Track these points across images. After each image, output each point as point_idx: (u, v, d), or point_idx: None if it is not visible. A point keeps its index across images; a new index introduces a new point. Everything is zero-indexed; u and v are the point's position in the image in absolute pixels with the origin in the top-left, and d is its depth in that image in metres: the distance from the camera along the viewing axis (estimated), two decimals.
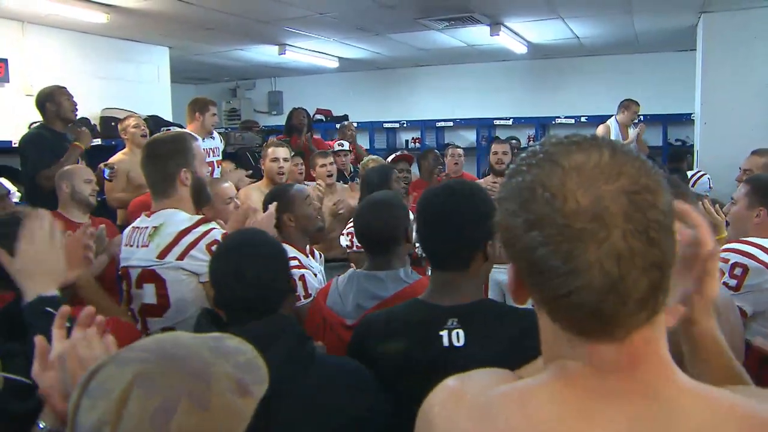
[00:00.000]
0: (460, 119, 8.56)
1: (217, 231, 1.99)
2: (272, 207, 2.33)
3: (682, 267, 0.79)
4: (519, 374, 0.79)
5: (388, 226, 1.86)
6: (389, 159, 4.29)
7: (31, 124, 4.29)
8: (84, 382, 0.77)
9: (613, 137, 4.30)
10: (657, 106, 7.26)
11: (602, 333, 0.65)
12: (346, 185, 4.42)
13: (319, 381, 1.33)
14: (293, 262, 2.32)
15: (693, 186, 4.75)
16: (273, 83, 9.86)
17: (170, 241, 1.95)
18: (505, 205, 0.69)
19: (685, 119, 7.01)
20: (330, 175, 3.88)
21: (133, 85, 6.35)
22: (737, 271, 1.97)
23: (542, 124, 8.16)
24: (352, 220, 3.20)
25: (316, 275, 2.45)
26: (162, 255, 1.95)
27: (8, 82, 5.17)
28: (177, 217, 2.00)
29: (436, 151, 5.28)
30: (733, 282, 2.01)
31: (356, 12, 5.36)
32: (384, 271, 1.83)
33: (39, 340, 1.04)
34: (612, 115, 6.08)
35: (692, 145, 6.40)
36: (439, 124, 8.70)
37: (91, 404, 0.74)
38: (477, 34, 6.30)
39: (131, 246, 2.06)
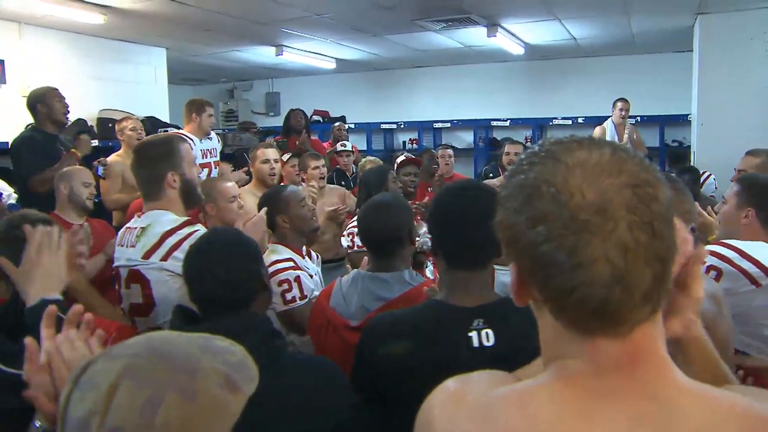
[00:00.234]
0: (458, 120, 8.57)
1: (201, 232, 1.99)
2: (263, 211, 2.34)
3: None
4: (518, 376, 0.79)
5: (392, 227, 1.86)
6: (397, 161, 4.25)
7: (28, 125, 4.28)
8: (76, 376, 0.79)
9: (608, 138, 4.32)
10: (654, 107, 7.28)
11: (606, 329, 0.65)
12: (337, 186, 4.43)
13: (287, 378, 1.32)
14: (288, 264, 2.32)
15: (701, 187, 4.72)
16: (270, 84, 9.86)
17: (155, 242, 1.97)
18: (507, 203, 0.69)
19: (681, 120, 7.02)
20: (322, 177, 3.87)
21: (131, 86, 6.34)
22: (711, 274, 1.92)
23: (539, 125, 8.18)
24: (354, 219, 3.22)
25: (312, 276, 2.45)
26: (147, 255, 1.97)
27: (5, 83, 5.17)
28: (164, 218, 2.02)
29: (432, 150, 5.31)
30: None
31: (353, 13, 5.36)
32: (389, 273, 1.82)
33: (29, 341, 1.05)
34: (609, 116, 6.10)
35: (689, 146, 6.42)
36: (436, 125, 8.72)
37: (81, 396, 0.76)
38: (474, 36, 6.31)
39: (122, 246, 2.09)
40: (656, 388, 0.66)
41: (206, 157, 4.45)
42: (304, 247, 2.58)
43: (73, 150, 3.96)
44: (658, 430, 0.63)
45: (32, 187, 3.73)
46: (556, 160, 0.66)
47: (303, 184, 3.72)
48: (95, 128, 5.69)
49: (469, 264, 1.44)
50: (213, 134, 4.75)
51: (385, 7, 5.09)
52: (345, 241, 3.26)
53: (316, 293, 2.37)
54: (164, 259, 1.95)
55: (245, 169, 4.52)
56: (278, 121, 6.81)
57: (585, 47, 7.21)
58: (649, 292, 0.63)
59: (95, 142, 5.31)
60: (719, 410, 0.65)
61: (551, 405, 0.67)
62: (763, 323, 1.92)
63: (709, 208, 2.51)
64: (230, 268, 1.45)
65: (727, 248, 1.96)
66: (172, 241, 1.95)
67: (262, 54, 7.26)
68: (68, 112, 4.10)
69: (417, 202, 3.77)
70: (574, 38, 6.69)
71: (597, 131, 5.97)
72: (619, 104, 5.97)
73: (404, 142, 9.16)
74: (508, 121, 8.27)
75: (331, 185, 4.31)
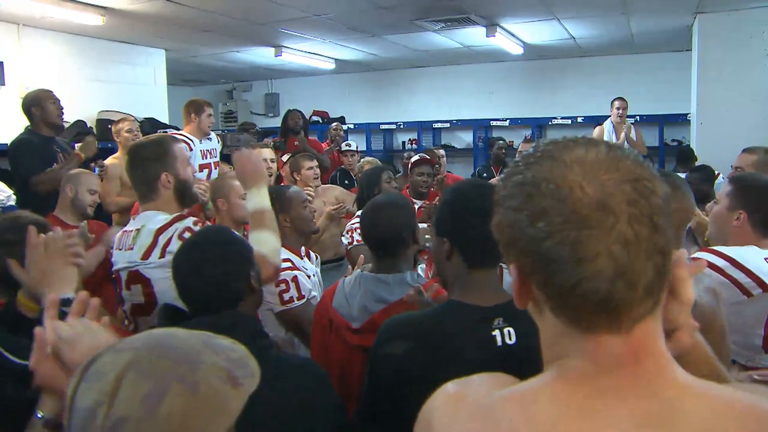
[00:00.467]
0: (457, 120, 8.57)
1: (189, 220, 2.01)
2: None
3: None
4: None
5: (394, 228, 1.85)
6: (411, 161, 4.21)
7: (26, 127, 4.27)
8: (83, 368, 0.81)
9: (606, 138, 4.31)
10: (653, 107, 7.28)
11: (608, 325, 0.65)
12: (333, 186, 4.42)
13: (269, 378, 1.32)
14: (286, 264, 2.32)
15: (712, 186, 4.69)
16: (269, 85, 9.86)
17: (150, 242, 1.98)
18: (506, 203, 0.69)
19: (681, 120, 7.02)
20: (316, 177, 3.87)
21: (130, 88, 6.34)
22: (707, 281, 1.90)
23: (539, 125, 8.17)
24: (354, 218, 3.22)
25: (310, 277, 2.45)
26: (145, 255, 1.99)
27: (4, 84, 5.17)
28: (156, 218, 2.03)
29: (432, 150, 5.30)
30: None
31: (352, 13, 5.36)
32: (390, 275, 1.82)
33: (38, 331, 1.08)
34: (608, 116, 6.10)
35: (688, 146, 6.41)
36: (435, 126, 8.72)
37: (88, 387, 0.78)
38: (473, 35, 6.31)
39: (120, 249, 2.10)
40: (658, 386, 0.66)
41: (206, 158, 4.44)
42: (302, 248, 2.58)
43: (78, 152, 3.95)
44: (660, 429, 0.63)
45: (32, 187, 3.73)
46: (554, 158, 0.67)
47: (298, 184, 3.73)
48: (94, 130, 5.69)
49: (488, 263, 1.42)
50: (213, 134, 4.75)
51: (384, 8, 5.10)
52: (345, 239, 3.27)
53: (315, 294, 2.37)
54: (162, 256, 1.96)
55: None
56: (278, 122, 6.80)
57: (584, 47, 7.21)
58: (650, 285, 0.64)
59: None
60: (720, 408, 0.65)
61: (552, 405, 0.67)
62: (753, 332, 1.89)
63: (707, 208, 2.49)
64: (217, 267, 1.45)
65: (719, 257, 1.88)
66: (164, 237, 1.97)
67: (262, 55, 7.26)
68: (62, 114, 4.09)
69: (427, 203, 3.76)
70: (573, 38, 6.69)
71: (596, 132, 5.97)
72: (616, 103, 5.96)
73: (404, 143, 9.16)
74: (508, 120, 8.27)
75: (327, 185, 4.31)
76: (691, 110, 5.95)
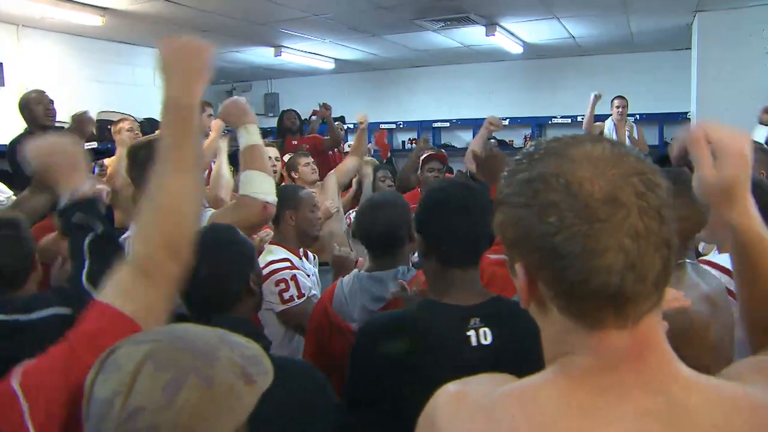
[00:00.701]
0: (457, 119, 8.56)
1: None
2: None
3: None
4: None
5: (391, 226, 1.85)
6: (422, 158, 4.21)
7: (26, 128, 4.27)
8: (101, 360, 0.83)
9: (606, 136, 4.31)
10: (653, 105, 7.27)
11: (615, 319, 0.65)
12: (331, 182, 4.42)
13: (276, 378, 1.32)
14: (284, 264, 2.32)
15: None
16: (269, 85, 9.85)
17: None
18: (511, 200, 0.69)
19: (681, 118, 7.01)
20: (314, 172, 3.88)
21: (129, 88, 6.33)
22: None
23: (539, 124, 8.17)
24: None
25: (309, 276, 2.45)
26: None
27: (4, 85, 5.17)
28: None
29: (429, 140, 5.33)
30: None
31: (352, 13, 5.36)
32: (385, 272, 1.82)
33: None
34: (609, 115, 6.10)
35: None
36: (435, 125, 8.71)
37: (106, 378, 0.80)
38: (473, 35, 6.31)
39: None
40: (661, 381, 0.66)
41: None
42: (301, 249, 2.57)
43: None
44: (664, 425, 0.63)
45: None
46: (559, 155, 0.67)
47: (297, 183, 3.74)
48: (94, 130, 5.68)
49: (465, 262, 1.43)
50: None
51: (383, 7, 5.09)
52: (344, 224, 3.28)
53: (315, 292, 2.37)
54: None
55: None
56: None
57: (584, 46, 7.20)
58: (658, 278, 0.64)
59: (93, 144, 5.30)
60: (725, 402, 0.65)
61: (555, 402, 0.67)
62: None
63: None
64: (212, 268, 1.40)
65: (716, 269, 1.79)
66: None
67: (261, 55, 7.25)
68: (52, 115, 4.07)
69: None
70: (573, 37, 6.68)
71: (598, 126, 5.95)
72: (616, 102, 5.96)
73: (403, 142, 9.15)
74: (508, 120, 8.24)
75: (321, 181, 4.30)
76: (691, 109, 5.94)
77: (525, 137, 8.23)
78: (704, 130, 0.86)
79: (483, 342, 1.34)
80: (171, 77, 1.18)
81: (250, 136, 1.92)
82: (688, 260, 1.49)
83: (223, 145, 3.73)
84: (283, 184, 3.75)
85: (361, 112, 4.41)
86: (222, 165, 3.73)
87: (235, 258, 1.49)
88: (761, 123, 4.19)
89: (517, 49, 6.93)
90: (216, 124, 4.20)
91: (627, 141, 5.64)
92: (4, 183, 4.10)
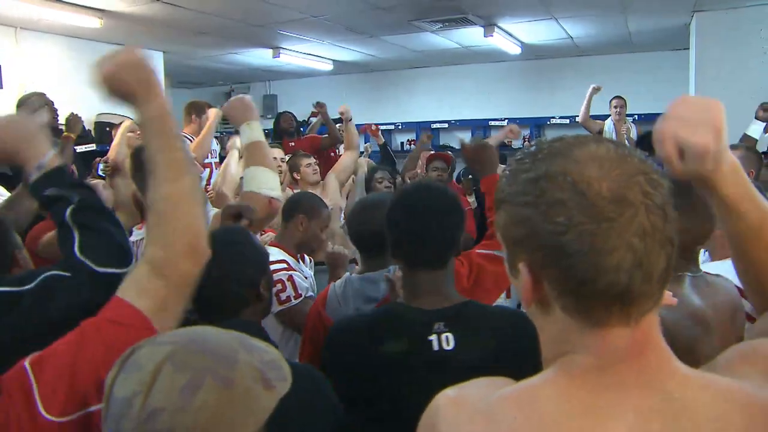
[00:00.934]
0: (455, 120, 8.57)
1: None
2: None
3: None
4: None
5: (382, 227, 1.85)
6: (425, 157, 4.22)
7: None
8: (122, 360, 0.84)
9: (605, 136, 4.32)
10: (651, 106, 7.25)
11: (620, 317, 0.65)
12: (331, 181, 4.43)
13: None
14: (281, 265, 2.31)
15: None
16: (268, 87, 9.85)
17: None
18: (515, 199, 0.69)
19: None
20: (315, 173, 3.89)
21: None
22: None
23: (537, 125, 8.18)
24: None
25: (306, 278, 2.44)
26: None
27: (2, 87, 5.17)
28: None
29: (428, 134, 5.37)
30: None
31: (350, 14, 5.36)
32: (376, 272, 1.82)
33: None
34: (608, 115, 6.10)
35: None
36: (434, 126, 8.69)
37: (126, 378, 0.81)
38: (471, 36, 6.31)
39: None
40: (661, 379, 0.66)
41: (207, 158, 4.47)
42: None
43: (66, 133, 3.96)
44: (665, 422, 0.63)
45: None
46: (564, 155, 0.67)
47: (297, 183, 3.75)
48: (92, 132, 5.69)
49: (429, 264, 1.42)
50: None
51: (381, 8, 5.10)
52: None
53: (311, 293, 2.37)
54: None
55: None
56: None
57: (582, 46, 7.21)
58: (662, 275, 0.65)
59: (92, 147, 5.30)
60: (724, 399, 0.66)
61: (556, 402, 0.67)
62: None
63: None
64: (217, 270, 1.35)
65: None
66: None
67: (259, 56, 7.25)
68: (56, 116, 4.09)
69: None
70: (571, 37, 6.69)
71: (598, 124, 5.95)
72: (614, 102, 5.96)
73: (402, 143, 9.15)
74: (506, 120, 8.25)
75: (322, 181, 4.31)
76: None
77: (524, 138, 8.23)
78: (669, 132, 0.85)
79: (445, 347, 1.33)
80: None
81: (253, 132, 1.92)
82: (689, 273, 1.44)
83: (236, 143, 3.75)
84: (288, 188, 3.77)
85: (343, 106, 4.35)
86: (231, 162, 3.74)
87: (239, 259, 1.47)
88: (757, 119, 4.19)
89: (515, 49, 6.93)
90: (213, 112, 4.23)
91: (626, 141, 5.64)
92: (4, 185, 4.11)
